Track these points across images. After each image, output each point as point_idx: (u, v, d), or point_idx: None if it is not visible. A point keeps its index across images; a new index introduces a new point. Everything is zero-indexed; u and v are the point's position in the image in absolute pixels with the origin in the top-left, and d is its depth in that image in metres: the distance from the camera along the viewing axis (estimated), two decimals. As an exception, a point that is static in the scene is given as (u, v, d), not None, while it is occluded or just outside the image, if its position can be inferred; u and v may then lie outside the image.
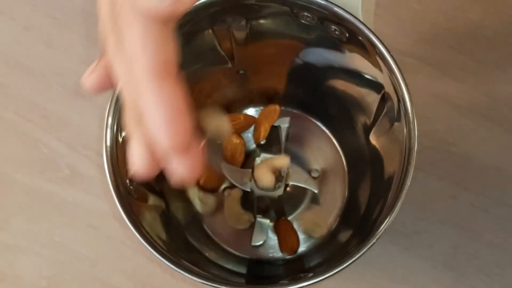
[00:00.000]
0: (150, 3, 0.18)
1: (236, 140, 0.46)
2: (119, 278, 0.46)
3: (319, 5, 0.35)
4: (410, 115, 0.34)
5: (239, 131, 0.47)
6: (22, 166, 0.48)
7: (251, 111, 0.47)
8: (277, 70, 0.44)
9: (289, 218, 0.46)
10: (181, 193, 0.46)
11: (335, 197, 0.46)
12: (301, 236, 0.45)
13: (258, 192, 0.41)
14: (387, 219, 0.35)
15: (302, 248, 0.45)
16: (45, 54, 0.50)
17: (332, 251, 0.43)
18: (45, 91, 0.49)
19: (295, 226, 0.45)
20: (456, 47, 0.49)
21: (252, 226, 0.45)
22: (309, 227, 0.45)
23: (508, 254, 0.46)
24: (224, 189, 0.46)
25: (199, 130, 0.35)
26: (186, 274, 0.35)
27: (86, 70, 0.23)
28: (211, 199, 0.46)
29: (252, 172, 0.41)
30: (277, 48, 0.42)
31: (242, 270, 0.44)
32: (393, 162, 0.39)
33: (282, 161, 0.42)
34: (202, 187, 0.46)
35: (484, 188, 0.47)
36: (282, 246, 0.44)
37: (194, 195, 0.45)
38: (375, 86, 0.38)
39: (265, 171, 0.41)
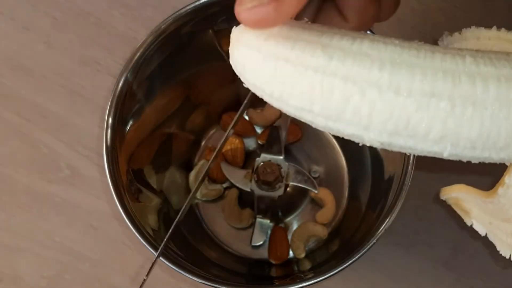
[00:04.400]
0: None
1: (236, 140, 0.46)
2: (119, 278, 0.46)
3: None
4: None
5: (239, 133, 0.47)
6: (22, 166, 0.48)
7: (251, 112, 0.47)
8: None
9: (289, 219, 0.46)
10: (181, 193, 0.46)
11: (335, 197, 0.46)
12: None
13: (258, 192, 0.41)
14: (387, 219, 0.35)
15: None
16: (45, 54, 0.50)
17: (333, 251, 0.43)
18: (45, 91, 0.49)
19: (295, 227, 0.46)
20: (456, 47, 0.49)
21: (252, 226, 0.45)
22: (308, 237, 0.45)
23: (508, 254, 0.46)
24: (224, 190, 0.46)
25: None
26: (186, 274, 0.35)
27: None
28: (215, 188, 0.46)
29: (252, 172, 0.41)
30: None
31: (242, 270, 0.44)
32: (393, 162, 0.39)
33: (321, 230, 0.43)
34: (210, 177, 0.46)
35: (484, 189, 0.46)
36: (271, 253, 0.44)
37: (198, 180, 0.45)
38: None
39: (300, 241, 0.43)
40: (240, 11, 0.18)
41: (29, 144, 0.48)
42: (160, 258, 0.35)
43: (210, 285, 0.35)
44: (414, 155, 0.35)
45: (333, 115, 0.19)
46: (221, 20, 0.39)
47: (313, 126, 0.20)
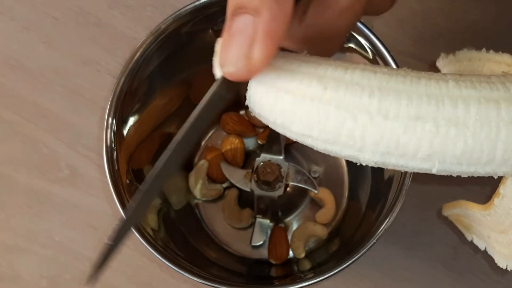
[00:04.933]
0: None
1: (235, 140, 0.46)
2: (120, 279, 0.46)
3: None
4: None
5: (239, 133, 0.47)
6: (22, 166, 0.48)
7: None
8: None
9: (289, 218, 0.46)
10: (181, 193, 0.46)
11: (335, 197, 0.46)
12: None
13: (258, 192, 0.41)
14: (387, 219, 0.36)
15: (302, 248, 0.45)
16: (45, 54, 0.50)
17: (333, 251, 0.43)
18: (45, 91, 0.49)
19: (295, 227, 0.46)
20: (456, 47, 0.49)
21: (252, 226, 0.45)
22: (307, 237, 0.45)
23: (508, 254, 0.46)
24: (224, 190, 0.46)
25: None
26: (186, 274, 0.35)
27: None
28: (215, 188, 0.46)
29: (252, 172, 0.41)
30: (277, 48, 0.42)
31: (242, 270, 0.44)
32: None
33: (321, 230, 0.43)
34: (210, 177, 0.46)
35: (484, 188, 0.47)
36: (271, 253, 0.44)
37: (198, 179, 0.45)
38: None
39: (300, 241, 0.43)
40: (223, 71, 0.22)
41: (29, 144, 0.48)
42: (161, 258, 0.35)
43: (210, 285, 0.35)
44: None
45: (330, 139, 0.21)
46: (221, 20, 0.39)
47: (314, 149, 0.22)
